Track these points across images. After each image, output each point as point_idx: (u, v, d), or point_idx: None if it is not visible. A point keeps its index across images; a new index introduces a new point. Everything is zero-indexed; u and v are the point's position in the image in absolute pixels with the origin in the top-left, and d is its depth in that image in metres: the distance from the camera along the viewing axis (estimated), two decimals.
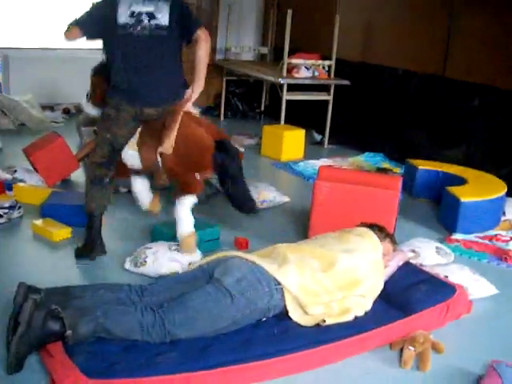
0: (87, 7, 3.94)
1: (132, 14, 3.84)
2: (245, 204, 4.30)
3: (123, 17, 3.82)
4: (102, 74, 4.13)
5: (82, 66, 8.73)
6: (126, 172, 4.28)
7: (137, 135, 4.03)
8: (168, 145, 3.83)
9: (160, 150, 3.87)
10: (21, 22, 8.90)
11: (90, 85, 4.37)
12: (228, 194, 4.22)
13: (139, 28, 3.83)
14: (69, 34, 3.93)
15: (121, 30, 3.83)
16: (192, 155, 3.90)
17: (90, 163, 4.11)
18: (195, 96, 4.03)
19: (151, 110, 3.90)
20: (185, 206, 3.98)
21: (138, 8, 3.84)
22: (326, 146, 7.66)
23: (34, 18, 8.92)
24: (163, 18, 3.87)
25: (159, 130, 3.90)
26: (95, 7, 3.93)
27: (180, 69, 4.11)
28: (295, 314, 3.14)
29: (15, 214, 4.64)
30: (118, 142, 3.94)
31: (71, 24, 3.88)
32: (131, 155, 4.05)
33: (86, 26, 3.90)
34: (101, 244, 4.08)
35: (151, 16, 3.86)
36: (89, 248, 4.03)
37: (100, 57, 4.16)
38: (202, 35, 4.02)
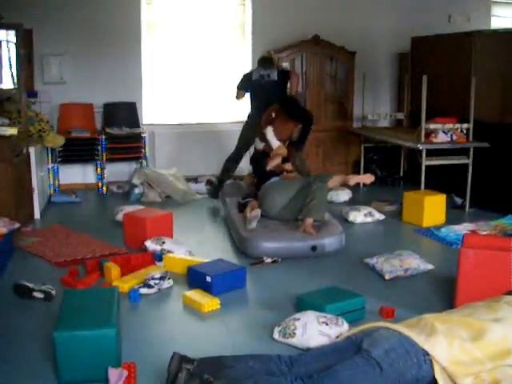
0: (240, 78, 7.92)
1: (260, 75, 7.71)
2: None
3: (254, 76, 7.75)
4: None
5: (220, 139, 9.14)
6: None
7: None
8: None
9: None
10: (163, 100, 9.46)
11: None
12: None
13: (260, 81, 7.68)
14: (239, 96, 7.93)
15: (252, 82, 7.72)
16: None
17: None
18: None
19: None
20: None
21: (263, 72, 7.71)
22: (467, 210, 7.51)
23: (174, 95, 9.47)
24: (274, 77, 7.69)
25: None
26: (243, 77, 7.86)
27: (282, 96, 7.55)
28: None
29: (165, 284, 4.81)
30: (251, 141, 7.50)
31: (237, 89, 7.87)
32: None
33: (243, 86, 7.84)
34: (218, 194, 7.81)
35: (268, 76, 7.70)
36: (215, 193, 7.91)
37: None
38: (292, 74, 8.08)
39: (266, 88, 7.67)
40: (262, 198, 6.27)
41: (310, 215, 5.88)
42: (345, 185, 6.46)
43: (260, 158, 6.89)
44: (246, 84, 7.80)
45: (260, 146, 7.09)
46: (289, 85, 7.92)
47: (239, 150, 7.91)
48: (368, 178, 6.26)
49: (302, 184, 6.15)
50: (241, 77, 7.93)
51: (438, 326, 3.22)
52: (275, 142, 6.71)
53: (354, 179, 6.21)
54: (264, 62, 7.90)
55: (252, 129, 7.49)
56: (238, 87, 7.87)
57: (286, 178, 6.47)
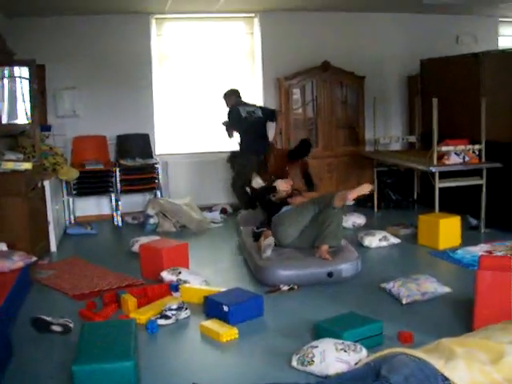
0: (226, 118, 8.46)
1: (247, 112, 8.30)
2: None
3: (243, 114, 8.27)
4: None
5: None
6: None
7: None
8: None
9: None
10: (175, 130, 9.56)
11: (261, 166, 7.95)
12: None
13: (250, 118, 8.28)
14: (230, 134, 8.48)
15: (243, 119, 8.26)
16: None
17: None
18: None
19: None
20: None
21: (249, 109, 8.37)
22: (482, 231, 7.45)
23: (186, 125, 9.58)
24: (259, 114, 8.40)
25: None
26: (233, 115, 8.35)
27: (266, 131, 8.53)
28: None
29: (182, 314, 4.80)
30: (246, 176, 7.86)
31: (229, 127, 8.44)
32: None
33: (233, 124, 8.39)
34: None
35: (253, 113, 8.36)
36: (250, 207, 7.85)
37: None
38: (278, 116, 8.63)
39: (254, 125, 8.34)
40: (274, 230, 6.25)
41: (326, 242, 5.87)
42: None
43: (264, 192, 6.89)
44: (237, 121, 8.30)
45: (259, 183, 7.28)
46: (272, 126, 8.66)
47: (238, 180, 8.39)
48: (366, 188, 6.17)
49: (312, 212, 6.10)
50: (227, 115, 8.43)
51: (457, 350, 3.20)
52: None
53: (352, 194, 6.08)
54: (239, 96, 8.57)
55: (248, 166, 8.04)
56: (229, 125, 8.46)
57: (295, 202, 6.44)
